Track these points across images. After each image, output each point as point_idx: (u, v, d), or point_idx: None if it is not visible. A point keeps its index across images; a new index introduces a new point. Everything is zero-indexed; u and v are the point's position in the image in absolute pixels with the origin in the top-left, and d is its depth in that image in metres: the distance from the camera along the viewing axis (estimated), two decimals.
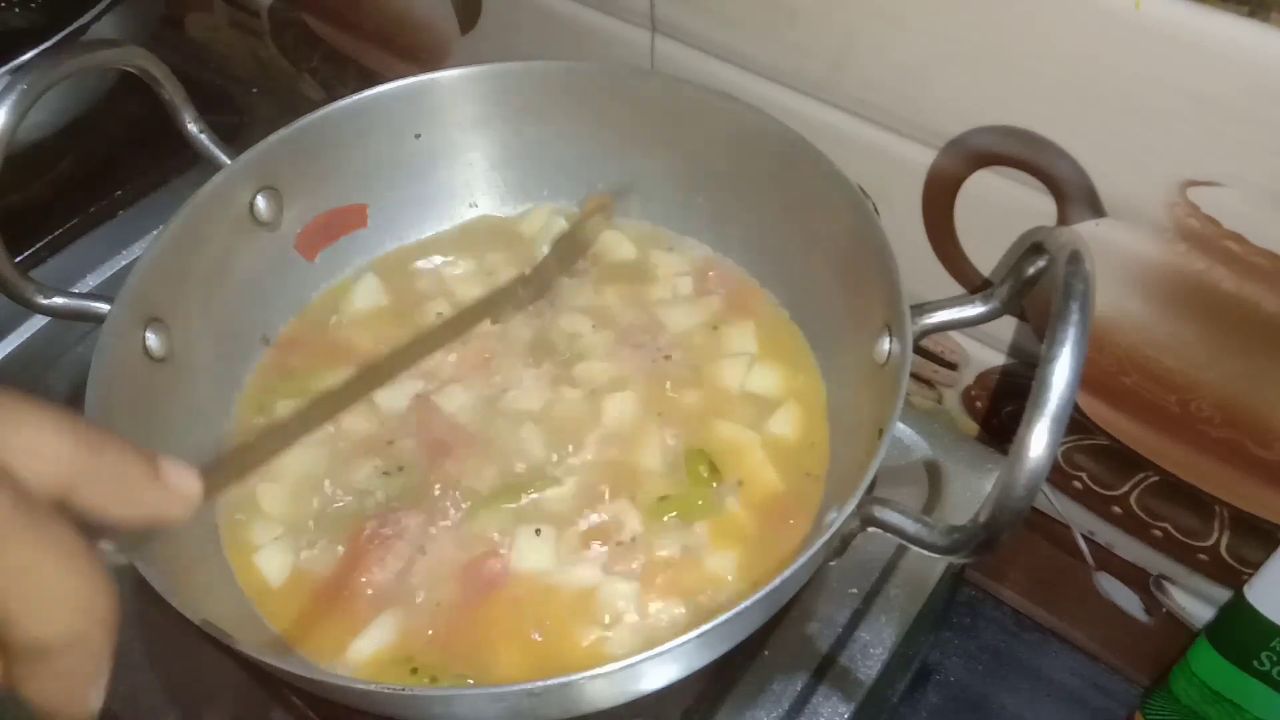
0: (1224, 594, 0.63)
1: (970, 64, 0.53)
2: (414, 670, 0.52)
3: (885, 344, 0.54)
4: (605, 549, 0.56)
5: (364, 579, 0.55)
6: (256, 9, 0.97)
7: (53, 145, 0.77)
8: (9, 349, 0.74)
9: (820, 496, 0.58)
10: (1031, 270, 0.49)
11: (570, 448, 0.60)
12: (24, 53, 0.66)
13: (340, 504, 0.59)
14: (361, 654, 0.53)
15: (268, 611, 0.55)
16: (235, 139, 0.64)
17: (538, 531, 0.56)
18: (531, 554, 0.56)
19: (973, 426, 0.71)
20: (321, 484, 0.60)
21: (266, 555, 0.57)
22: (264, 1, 0.95)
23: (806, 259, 0.63)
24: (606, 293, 0.68)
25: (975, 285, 0.63)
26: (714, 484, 0.58)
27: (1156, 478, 0.61)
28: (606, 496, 0.58)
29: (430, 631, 0.53)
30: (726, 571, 0.55)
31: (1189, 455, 0.59)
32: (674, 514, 0.57)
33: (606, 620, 0.54)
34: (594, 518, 0.57)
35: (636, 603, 0.54)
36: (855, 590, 0.59)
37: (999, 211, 0.58)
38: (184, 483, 0.33)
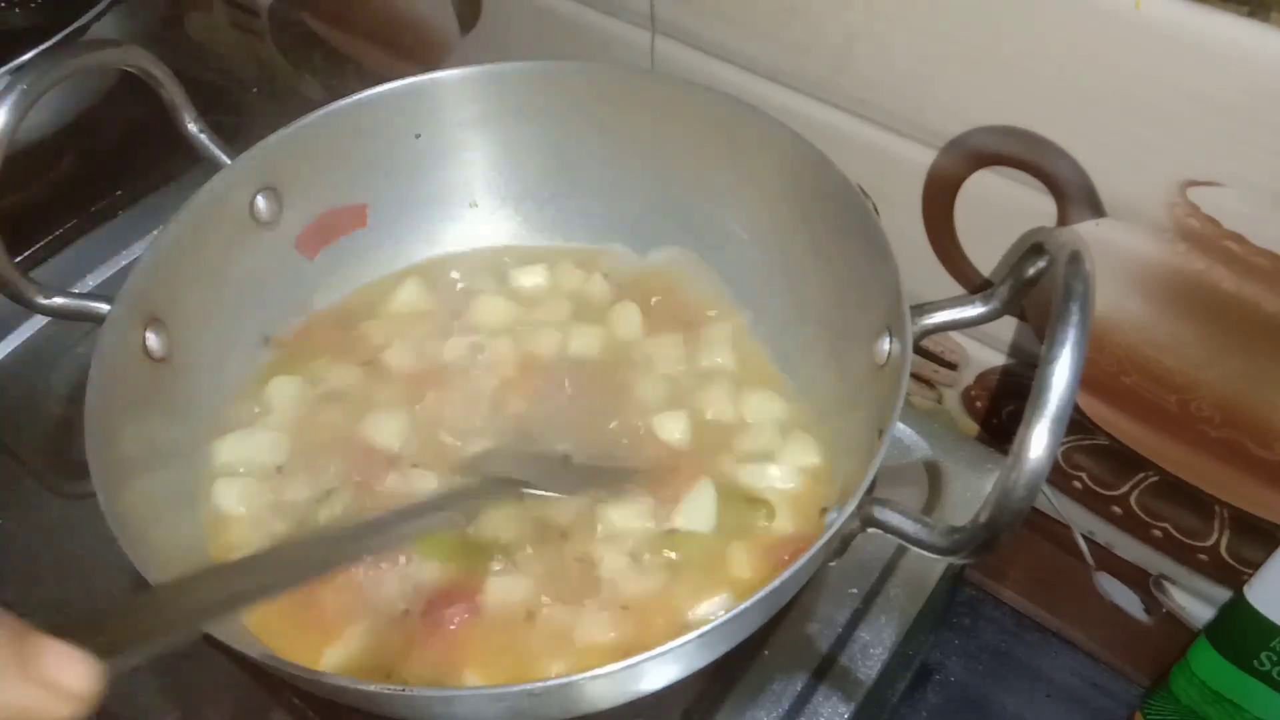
0: (1224, 594, 0.63)
1: (970, 64, 0.53)
2: (387, 676, 0.52)
3: (885, 344, 0.54)
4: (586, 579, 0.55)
5: (335, 593, 0.55)
6: (256, 9, 0.97)
7: (53, 145, 0.78)
8: (9, 349, 0.74)
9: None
10: (1031, 270, 0.49)
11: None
12: (24, 53, 0.66)
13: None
14: (334, 665, 0.53)
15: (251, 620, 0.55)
16: (235, 139, 0.64)
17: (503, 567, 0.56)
18: (502, 592, 0.55)
19: (973, 426, 0.71)
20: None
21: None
22: (264, 1, 0.95)
23: (806, 259, 0.63)
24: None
25: (975, 285, 0.63)
26: (762, 515, 0.57)
27: (1156, 478, 0.61)
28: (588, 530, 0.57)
29: (403, 645, 0.53)
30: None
31: (1189, 455, 0.59)
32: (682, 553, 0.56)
33: (577, 649, 0.53)
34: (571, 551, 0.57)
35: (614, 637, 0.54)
36: (855, 590, 0.59)
37: (999, 211, 0.58)
38: (72, 677, 0.27)
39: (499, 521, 0.57)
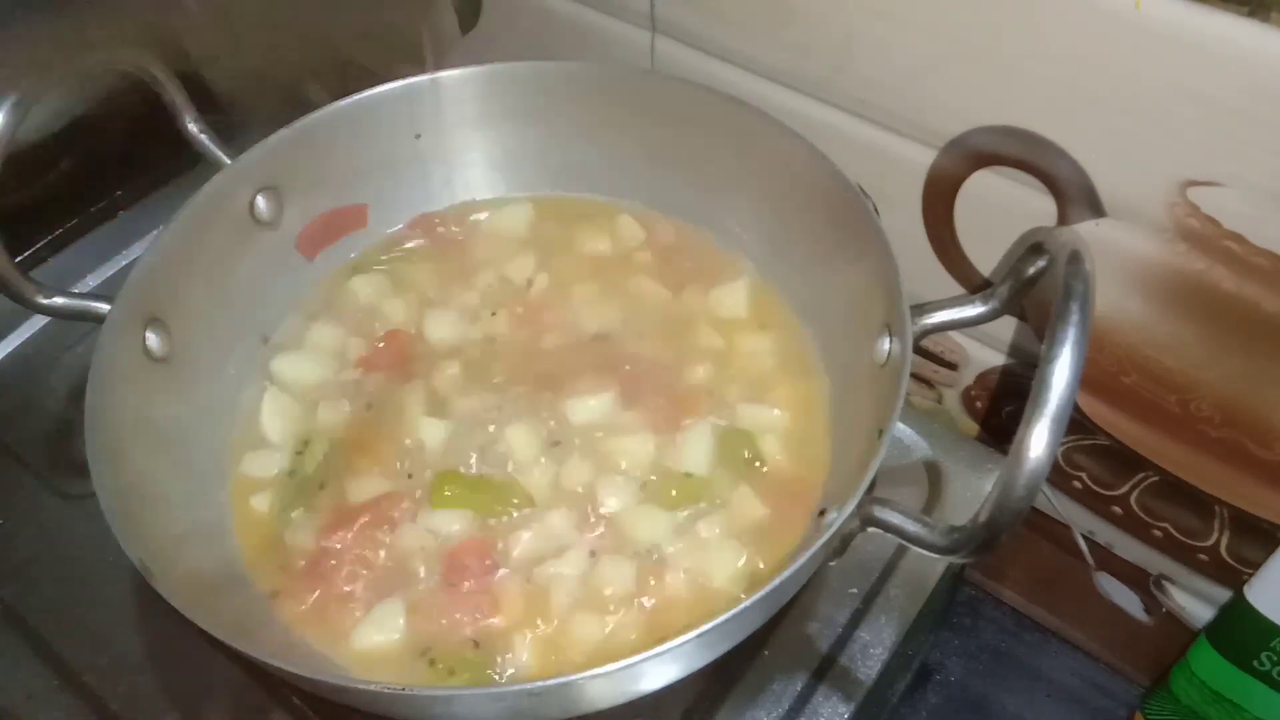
0: (1224, 594, 0.63)
1: (970, 64, 0.53)
2: (432, 662, 0.52)
3: (885, 344, 0.54)
4: (599, 536, 0.56)
5: (364, 564, 0.56)
6: None
7: (53, 145, 0.78)
8: (9, 349, 0.74)
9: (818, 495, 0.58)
10: (1031, 270, 0.49)
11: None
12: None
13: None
14: (367, 644, 0.53)
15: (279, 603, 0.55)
16: (235, 139, 0.64)
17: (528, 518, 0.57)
18: (526, 542, 0.56)
19: (973, 426, 0.71)
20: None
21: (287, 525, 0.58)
22: None
23: (806, 259, 0.63)
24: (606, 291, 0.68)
25: (975, 285, 0.63)
26: (755, 465, 0.58)
27: (1156, 478, 0.61)
28: (603, 490, 0.58)
29: (441, 620, 0.54)
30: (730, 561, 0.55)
31: (1189, 455, 0.59)
32: (693, 504, 0.57)
33: (611, 607, 0.54)
34: (590, 508, 0.57)
35: (637, 585, 0.54)
36: (855, 590, 0.59)
37: (999, 211, 0.58)
38: None
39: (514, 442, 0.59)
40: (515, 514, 0.57)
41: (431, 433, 0.60)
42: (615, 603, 0.54)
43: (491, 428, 0.60)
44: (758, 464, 0.58)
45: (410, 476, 0.59)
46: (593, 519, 0.57)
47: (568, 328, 0.65)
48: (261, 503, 0.59)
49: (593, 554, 0.55)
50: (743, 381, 0.62)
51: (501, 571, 0.55)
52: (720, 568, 0.55)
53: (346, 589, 0.55)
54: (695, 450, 0.59)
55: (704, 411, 0.60)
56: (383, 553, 0.56)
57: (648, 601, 0.54)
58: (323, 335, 0.66)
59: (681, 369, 0.63)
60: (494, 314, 0.66)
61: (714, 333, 0.64)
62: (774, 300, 0.66)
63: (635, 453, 0.59)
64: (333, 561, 0.56)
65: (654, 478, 0.58)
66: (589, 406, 0.60)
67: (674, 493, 0.57)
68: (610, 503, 0.57)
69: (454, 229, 0.72)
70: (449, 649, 0.53)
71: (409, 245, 0.71)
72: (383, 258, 0.70)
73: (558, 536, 0.56)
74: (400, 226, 0.71)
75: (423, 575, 0.55)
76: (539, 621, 0.53)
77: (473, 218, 0.72)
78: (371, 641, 0.53)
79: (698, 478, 0.58)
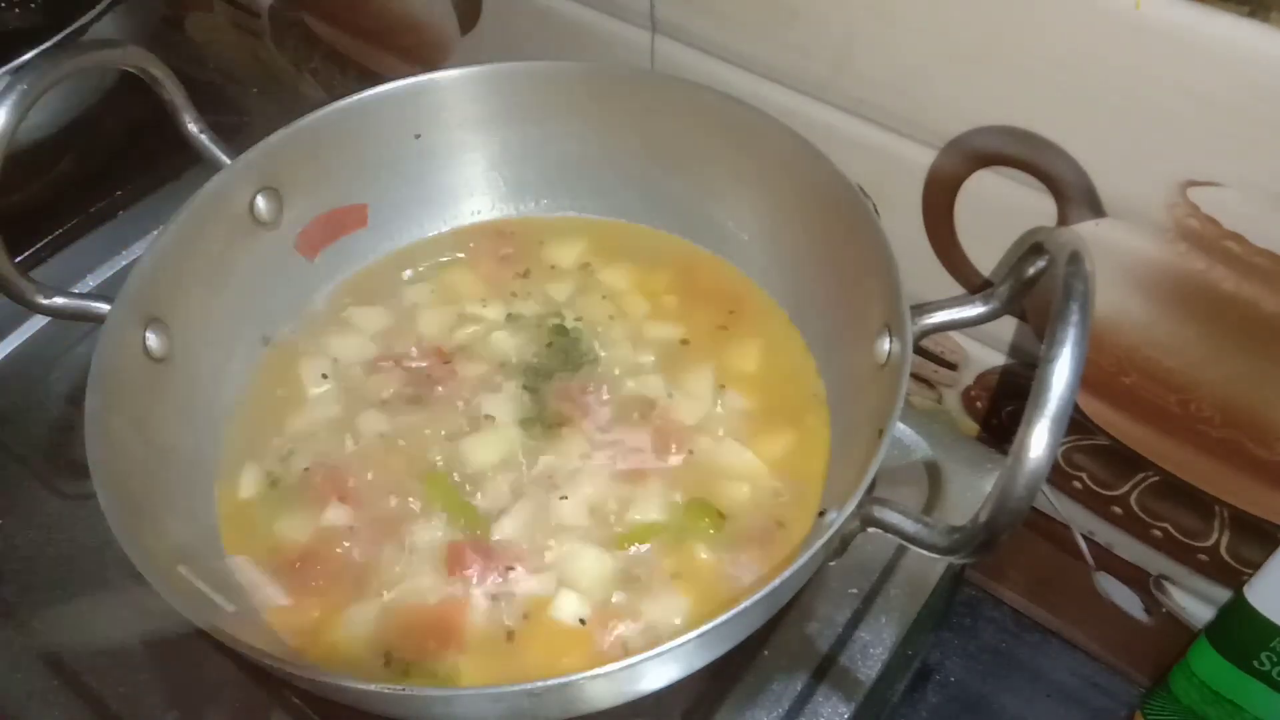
0: (1224, 594, 0.63)
1: (970, 64, 0.53)
2: (387, 663, 0.53)
3: (885, 344, 0.54)
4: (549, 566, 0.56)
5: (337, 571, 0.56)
6: (257, 9, 0.97)
7: (53, 145, 0.78)
8: (9, 349, 0.74)
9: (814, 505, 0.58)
10: (1031, 270, 0.49)
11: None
12: (24, 53, 0.66)
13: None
14: (340, 639, 0.53)
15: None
16: (235, 139, 0.64)
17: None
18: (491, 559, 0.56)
19: (973, 426, 0.71)
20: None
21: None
22: (264, 1, 0.95)
23: (806, 259, 0.63)
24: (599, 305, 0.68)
25: (975, 285, 0.63)
26: (713, 530, 0.57)
27: (1156, 478, 0.61)
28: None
29: (404, 622, 0.54)
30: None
31: (1189, 455, 0.59)
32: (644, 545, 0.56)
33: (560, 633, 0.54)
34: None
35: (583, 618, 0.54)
36: (855, 590, 0.59)
37: (999, 211, 0.58)
38: None
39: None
40: (479, 532, 0.57)
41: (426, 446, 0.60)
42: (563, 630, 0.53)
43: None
44: (720, 517, 0.57)
45: (399, 486, 0.59)
46: (548, 553, 0.56)
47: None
48: (249, 503, 0.59)
49: (542, 582, 0.55)
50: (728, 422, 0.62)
51: (470, 587, 0.55)
52: (662, 614, 0.54)
53: (317, 584, 0.55)
54: (655, 503, 0.58)
55: (682, 450, 0.60)
56: (361, 557, 0.56)
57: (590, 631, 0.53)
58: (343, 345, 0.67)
59: (671, 400, 0.62)
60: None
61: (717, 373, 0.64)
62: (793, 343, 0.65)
63: (598, 495, 0.58)
64: (314, 563, 0.56)
65: (613, 520, 0.57)
66: (567, 441, 0.60)
67: (627, 538, 0.57)
68: (568, 537, 0.56)
69: (499, 243, 0.72)
70: (407, 654, 0.53)
71: (457, 255, 0.72)
72: (421, 267, 0.71)
73: (513, 561, 0.56)
74: (443, 230, 0.72)
75: (397, 581, 0.55)
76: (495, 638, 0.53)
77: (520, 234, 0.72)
78: (339, 640, 0.53)
79: (654, 525, 0.57)
